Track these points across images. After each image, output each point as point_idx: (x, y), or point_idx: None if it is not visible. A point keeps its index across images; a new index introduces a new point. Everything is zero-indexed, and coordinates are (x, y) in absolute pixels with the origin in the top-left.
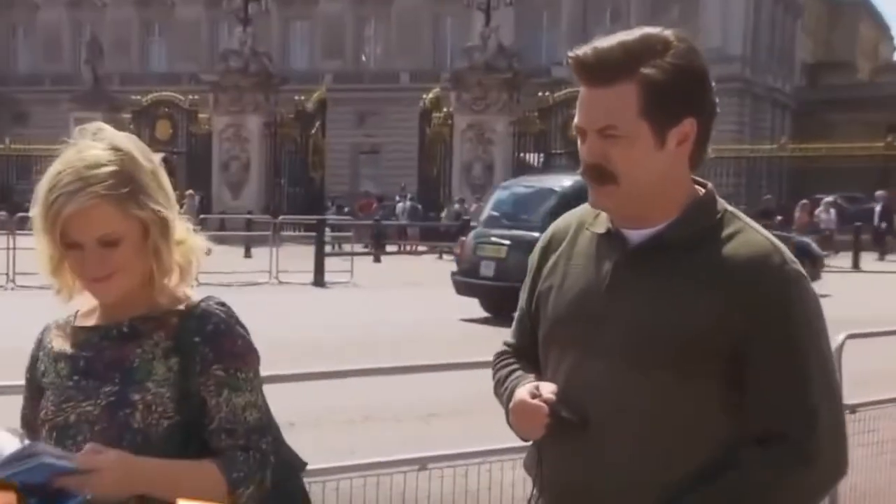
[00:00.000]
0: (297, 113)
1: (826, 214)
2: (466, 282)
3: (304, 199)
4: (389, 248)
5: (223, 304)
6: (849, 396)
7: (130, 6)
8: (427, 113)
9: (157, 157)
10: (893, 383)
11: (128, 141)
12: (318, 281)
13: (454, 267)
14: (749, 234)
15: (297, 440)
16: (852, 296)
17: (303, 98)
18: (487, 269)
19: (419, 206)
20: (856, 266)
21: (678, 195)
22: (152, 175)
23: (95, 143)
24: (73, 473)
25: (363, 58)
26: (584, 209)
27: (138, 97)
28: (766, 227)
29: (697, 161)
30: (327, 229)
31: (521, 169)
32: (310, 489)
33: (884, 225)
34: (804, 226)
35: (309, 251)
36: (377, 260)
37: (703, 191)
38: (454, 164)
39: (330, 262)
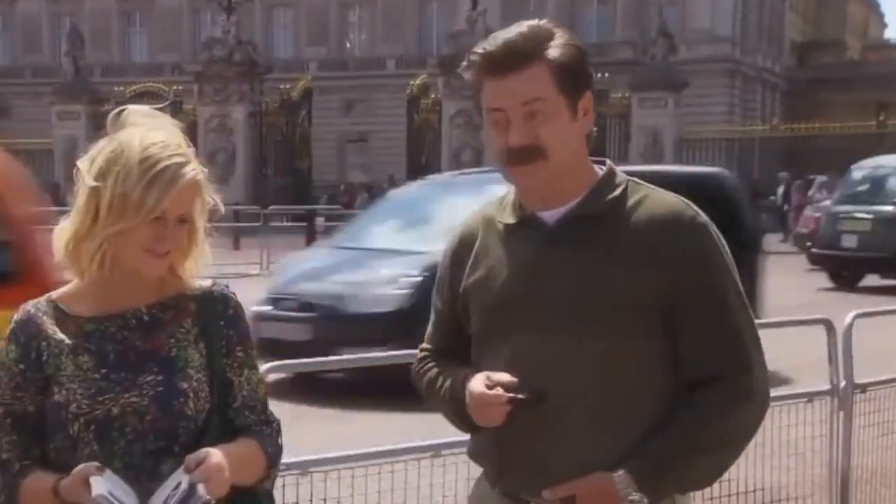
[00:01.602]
0: (283, 102)
1: (820, 195)
2: (825, 254)
3: (292, 189)
4: None
5: (228, 286)
6: (858, 376)
7: None
8: (415, 100)
9: None
10: None
11: (178, 131)
12: None
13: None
14: (657, 196)
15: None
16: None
17: (288, 87)
18: (849, 241)
19: None
20: None
21: (584, 171)
22: None
23: (156, 130)
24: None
25: (348, 45)
26: (484, 208)
27: (121, 88)
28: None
29: (590, 139)
30: (320, 219)
31: None
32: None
33: (786, 206)
34: (800, 206)
35: (297, 242)
36: None
37: (604, 167)
38: (443, 151)
39: None
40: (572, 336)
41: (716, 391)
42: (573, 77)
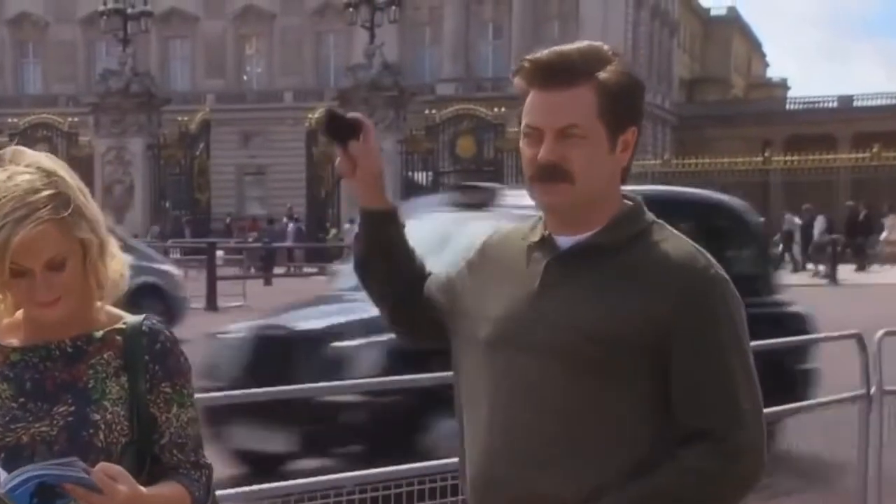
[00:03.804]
0: (181, 134)
1: None
2: None
3: (191, 222)
4: (277, 270)
5: (163, 322)
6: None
7: (2, 26)
8: (313, 132)
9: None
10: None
11: (52, 162)
12: (212, 304)
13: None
14: (675, 240)
15: None
16: None
17: (185, 119)
18: None
19: (303, 228)
20: None
21: (610, 205)
22: (81, 193)
23: (22, 168)
24: (90, 488)
25: (245, 77)
26: (518, 225)
27: (14, 120)
28: None
29: (626, 174)
30: (219, 252)
31: (410, 188)
32: None
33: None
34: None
35: (197, 275)
36: (268, 283)
37: (632, 203)
38: (342, 185)
39: (220, 286)
40: (560, 364)
41: (701, 447)
42: (620, 107)
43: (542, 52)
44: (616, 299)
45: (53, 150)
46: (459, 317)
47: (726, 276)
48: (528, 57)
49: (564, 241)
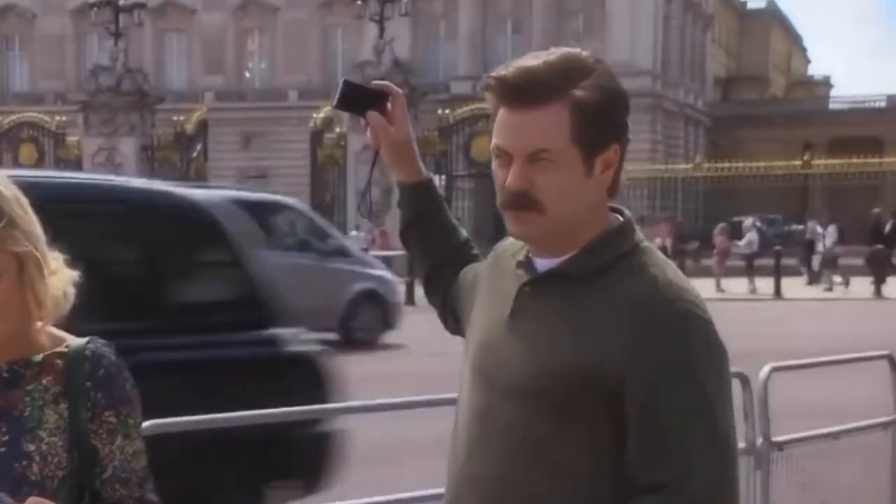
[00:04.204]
0: (176, 135)
1: (751, 235)
2: None
3: None
4: None
5: (110, 345)
6: (775, 433)
7: None
8: (318, 133)
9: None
10: (821, 418)
11: None
12: None
13: None
14: (650, 270)
15: None
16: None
17: (182, 119)
18: None
19: None
20: (777, 293)
21: (590, 228)
22: (17, 204)
23: None
24: None
25: (247, 74)
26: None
27: None
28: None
29: (614, 189)
30: None
31: None
32: None
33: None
34: (724, 251)
35: None
36: None
37: (620, 220)
38: (349, 189)
39: None
40: (507, 399)
41: (657, 499)
42: (597, 127)
43: (509, 69)
44: (575, 336)
45: (40, 151)
46: (466, 326)
47: (700, 313)
48: (493, 74)
49: (542, 264)
